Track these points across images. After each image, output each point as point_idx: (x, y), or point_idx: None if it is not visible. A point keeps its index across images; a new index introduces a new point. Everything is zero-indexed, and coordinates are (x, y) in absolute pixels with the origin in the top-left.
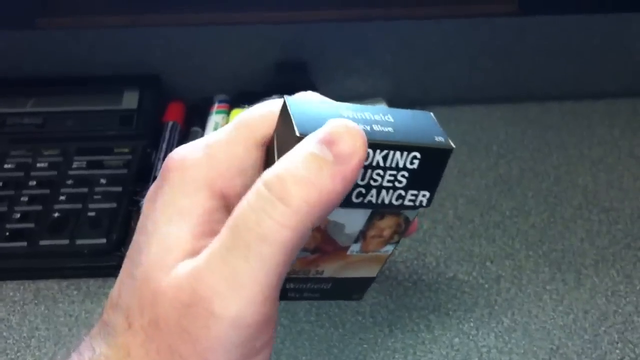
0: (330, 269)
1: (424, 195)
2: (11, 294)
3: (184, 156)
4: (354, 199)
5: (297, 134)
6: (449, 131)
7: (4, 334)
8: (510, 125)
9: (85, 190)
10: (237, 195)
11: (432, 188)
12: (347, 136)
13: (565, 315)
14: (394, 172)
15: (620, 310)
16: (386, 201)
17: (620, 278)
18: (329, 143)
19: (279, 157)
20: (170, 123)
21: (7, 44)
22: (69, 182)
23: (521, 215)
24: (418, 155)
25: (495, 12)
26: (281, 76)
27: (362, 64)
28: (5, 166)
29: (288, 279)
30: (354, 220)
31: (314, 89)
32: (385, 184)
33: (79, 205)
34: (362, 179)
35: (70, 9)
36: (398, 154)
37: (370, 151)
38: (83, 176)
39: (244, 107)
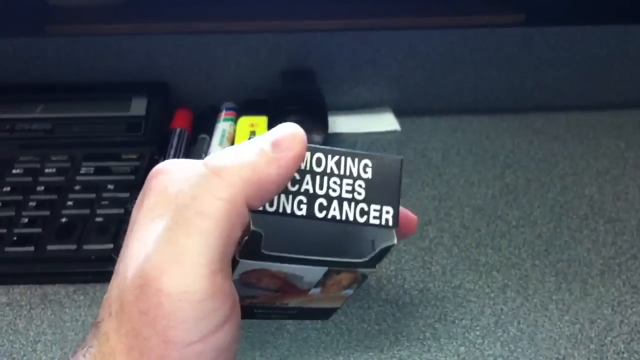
0: (294, 303)
1: (387, 212)
2: (18, 298)
3: (167, 163)
4: (317, 213)
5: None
6: (454, 140)
7: (11, 337)
8: (516, 136)
9: (92, 196)
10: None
11: (393, 203)
12: (288, 133)
13: (571, 325)
14: (350, 181)
15: (626, 321)
16: (350, 217)
17: (627, 288)
18: (274, 140)
19: None
20: (178, 130)
21: (17, 51)
22: (77, 187)
23: (527, 225)
24: (369, 162)
25: (501, 22)
26: (288, 84)
27: (369, 73)
28: (14, 171)
29: (255, 306)
30: (311, 274)
31: (322, 97)
32: (344, 194)
33: (87, 211)
34: (321, 187)
35: (79, 16)
36: (349, 159)
37: (322, 156)
38: (91, 182)
39: (251, 115)
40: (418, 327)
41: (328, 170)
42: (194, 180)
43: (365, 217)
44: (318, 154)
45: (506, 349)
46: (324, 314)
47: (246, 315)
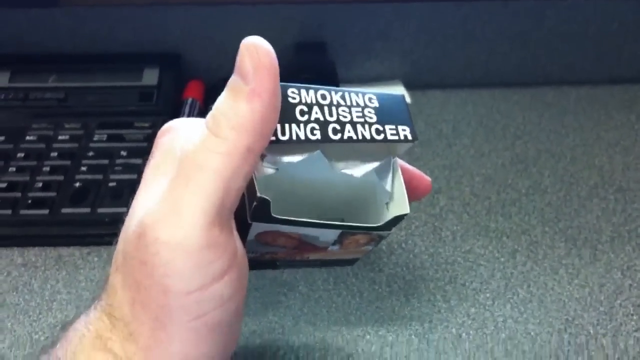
0: (315, 257)
1: (404, 130)
2: (33, 259)
3: (174, 122)
4: (332, 136)
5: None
6: (465, 113)
7: (26, 296)
8: (527, 109)
9: (106, 162)
10: None
11: (408, 123)
12: (247, 56)
13: (580, 288)
14: (359, 109)
15: (635, 284)
16: (367, 135)
17: (637, 254)
18: (237, 70)
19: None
20: (190, 100)
21: (31, 21)
22: (90, 154)
23: (537, 194)
24: (373, 96)
25: None
26: (300, 56)
27: (381, 46)
28: (27, 138)
29: (277, 260)
30: (326, 235)
31: (334, 69)
32: (355, 119)
33: (100, 176)
34: (331, 115)
35: None
36: (353, 94)
37: (327, 93)
38: (104, 149)
39: None
40: (428, 290)
41: (335, 102)
42: (195, 138)
43: (382, 135)
44: (322, 91)
45: (516, 310)
46: (348, 262)
47: (268, 266)
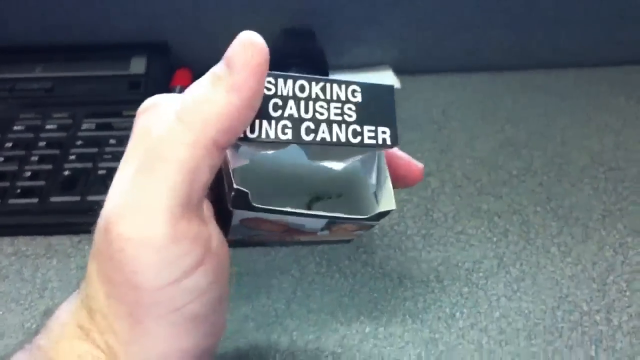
0: (305, 239)
1: (384, 132)
2: (23, 248)
3: (156, 97)
4: (304, 136)
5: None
6: (456, 97)
7: (17, 285)
8: (517, 92)
9: (95, 150)
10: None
11: (390, 124)
12: (240, 48)
13: (573, 266)
14: (339, 105)
15: (627, 261)
16: (342, 138)
17: (628, 231)
18: (226, 59)
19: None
20: (178, 87)
21: (16, 11)
22: (79, 142)
23: (528, 175)
24: (357, 88)
25: None
26: (289, 43)
27: (370, 32)
28: (15, 128)
29: (268, 244)
30: (312, 223)
31: (323, 56)
32: (333, 117)
33: (89, 164)
34: (306, 112)
35: None
36: (335, 85)
37: (306, 83)
38: (92, 137)
39: None
40: (421, 270)
41: (313, 96)
42: (161, 127)
43: (359, 137)
44: (301, 81)
45: (509, 288)
46: (341, 242)
47: (260, 244)
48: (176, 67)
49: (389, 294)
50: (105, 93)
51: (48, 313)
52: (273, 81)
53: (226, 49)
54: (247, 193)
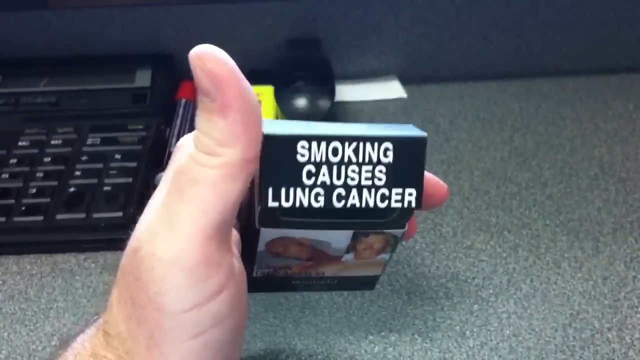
0: (330, 271)
1: (410, 194)
2: (29, 267)
3: (183, 139)
4: (335, 204)
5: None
6: (461, 107)
7: (23, 305)
8: (524, 101)
9: (100, 165)
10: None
11: (417, 185)
12: (200, 72)
13: (584, 282)
14: (370, 168)
15: (639, 276)
16: (370, 203)
17: (639, 245)
18: (199, 90)
19: (258, 183)
20: (184, 100)
21: (20, 25)
22: (84, 158)
23: (537, 187)
24: (390, 146)
25: None
26: (294, 53)
27: (375, 40)
28: (20, 144)
29: (292, 278)
30: (337, 238)
31: (329, 66)
32: (363, 182)
33: (95, 180)
34: (338, 178)
35: None
36: (368, 145)
37: (339, 145)
38: (98, 152)
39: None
40: (430, 287)
41: (345, 160)
42: (187, 154)
43: (386, 202)
44: (334, 144)
45: (519, 305)
46: (367, 283)
47: (285, 287)
48: (181, 79)
49: (397, 312)
50: (110, 106)
51: (62, 344)
52: (307, 146)
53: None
54: (276, 209)
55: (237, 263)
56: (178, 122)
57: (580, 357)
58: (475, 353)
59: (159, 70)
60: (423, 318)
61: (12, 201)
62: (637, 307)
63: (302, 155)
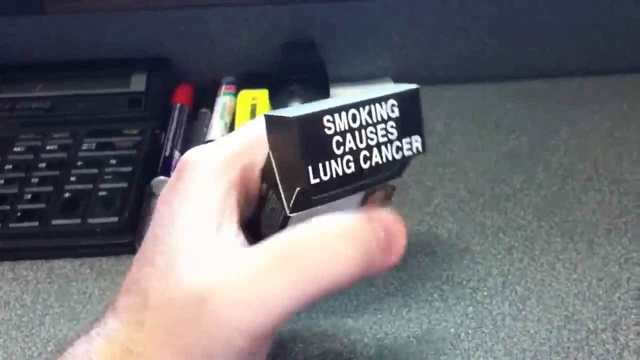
0: None
1: (417, 141)
2: (24, 273)
3: (195, 152)
4: (363, 165)
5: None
6: (457, 109)
7: (18, 312)
8: (519, 102)
9: (95, 171)
10: (252, 171)
11: (420, 131)
12: (400, 236)
13: (578, 283)
14: (383, 125)
15: (634, 277)
16: (389, 157)
17: (634, 246)
18: (387, 241)
19: (278, 172)
20: (179, 105)
21: (15, 29)
22: (79, 163)
23: (532, 188)
24: (395, 102)
25: None
26: (290, 56)
27: (370, 43)
28: (15, 149)
29: None
30: (350, 201)
31: (324, 69)
32: (381, 139)
33: (90, 186)
34: (361, 141)
35: None
36: (378, 105)
37: (356, 112)
38: (93, 157)
39: (251, 89)
40: (426, 290)
41: (364, 123)
42: (317, 249)
43: (400, 153)
44: (352, 111)
45: (514, 307)
46: None
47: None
48: (176, 83)
49: (393, 315)
50: (105, 111)
51: (60, 350)
52: (331, 118)
53: (226, 63)
54: (315, 184)
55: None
56: (173, 126)
57: (575, 358)
58: (470, 355)
59: (154, 75)
60: (418, 321)
61: (8, 207)
62: (632, 308)
63: (329, 129)
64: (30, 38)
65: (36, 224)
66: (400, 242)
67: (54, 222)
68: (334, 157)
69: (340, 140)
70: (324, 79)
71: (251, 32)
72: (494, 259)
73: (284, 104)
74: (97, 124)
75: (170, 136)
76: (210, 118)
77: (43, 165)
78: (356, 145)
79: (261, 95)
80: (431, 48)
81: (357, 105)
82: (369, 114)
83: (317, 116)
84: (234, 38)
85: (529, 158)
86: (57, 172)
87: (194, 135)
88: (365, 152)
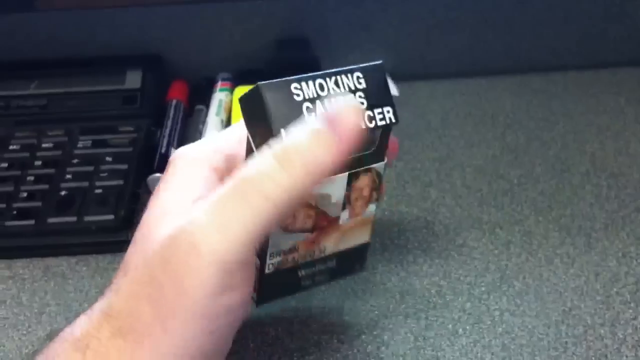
0: (330, 244)
1: (388, 112)
2: (20, 271)
3: (183, 148)
4: None
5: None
6: (453, 103)
7: (15, 310)
8: (515, 96)
9: (91, 168)
10: (237, 160)
11: (390, 103)
12: (353, 115)
13: (576, 278)
14: (352, 96)
15: (631, 271)
16: (362, 125)
17: (631, 240)
18: (334, 121)
19: (255, 144)
20: (174, 101)
21: (8, 27)
22: (75, 161)
23: (529, 183)
24: (360, 74)
25: None
26: (283, 53)
27: (364, 38)
28: (11, 147)
29: (298, 267)
30: (337, 188)
31: (318, 65)
32: None
33: (86, 184)
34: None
35: None
36: (344, 76)
37: (323, 82)
38: (88, 155)
39: (247, 85)
40: (423, 285)
41: (332, 92)
42: (260, 166)
43: (373, 122)
44: (319, 80)
45: (512, 303)
46: (359, 256)
47: (293, 286)
48: (171, 79)
49: (390, 311)
50: (100, 108)
51: (52, 336)
52: (299, 86)
53: (220, 59)
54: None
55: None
56: (169, 123)
57: (573, 353)
58: (468, 351)
59: (149, 72)
60: (416, 317)
61: (3, 205)
62: (630, 303)
63: (298, 95)
64: (23, 35)
65: (32, 222)
66: (346, 123)
67: (50, 220)
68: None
69: (310, 106)
70: None
71: (244, 28)
72: (491, 254)
73: None
74: (92, 122)
75: (167, 133)
76: (206, 114)
77: (38, 163)
78: (327, 111)
79: None
80: (425, 43)
81: (323, 76)
82: (336, 83)
83: (284, 83)
84: (227, 34)
85: (525, 153)
86: (52, 170)
87: (190, 131)
88: None
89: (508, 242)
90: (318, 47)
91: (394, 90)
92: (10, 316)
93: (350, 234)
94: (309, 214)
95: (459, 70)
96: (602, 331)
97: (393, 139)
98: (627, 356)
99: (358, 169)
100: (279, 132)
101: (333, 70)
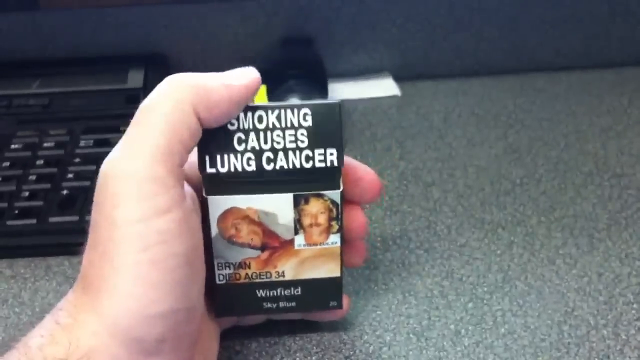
0: (289, 269)
1: (331, 154)
2: (22, 271)
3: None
4: (265, 166)
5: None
6: (455, 103)
7: (16, 309)
8: (518, 96)
9: (93, 167)
10: None
11: (337, 145)
12: (240, 71)
13: (579, 279)
14: (292, 132)
15: (634, 272)
16: (297, 164)
17: (634, 241)
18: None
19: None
20: None
21: (11, 26)
22: (77, 160)
23: (532, 183)
24: (308, 111)
25: None
26: (287, 52)
27: (368, 38)
28: (13, 146)
29: (255, 285)
30: (281, 207)
31: (321, 64)
32: (288, 144)
33: (87, 183)
34: (265, 142)
35: None
36: (289, 111)
37: (263, 113)
38: (90, 154)
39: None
40: (425, 286)
41: (270, 126)
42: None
43: (310, 162)
44: (259, 112)
45: (514, 303)
46: (331, 291)
47: (252, 305)
48: None
49: (392, 312)
50: (103, 107)
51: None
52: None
53: (223, 58)
54: (214, 174)
55: (190, 200)
56: None
57: (576, 354)
58: (470, 352)
59: (151, 71)
60: (418, 317)
61: (5, 204)
62: (632, 304)
63: (232, 124)
64: (26, 34)
65: (34, 221)
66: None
67: (52, 219)
68: (234, 152)
69: (243, 137)
70: (321, 74)
71: (248, 27)
72: (493, 254)
73: (281, 100)
74: (94, 121)
75: None
76: None
77: (40, 162)
78: (259, 145)
79: (259, 91)
80: (429, 43)
81: (266, 108)
82: (278, 118)
83: None
84: (231, 33)
85: (528, 153)
86: (54, 170)
87: None
88: (269, 154)
89: (510, 243)
90: (322, 46)
91: (395, 90)
92: (12, 315)
93: (312, 263)
94: (253, 229)
95: (462, 70)
96: (604, 332)
97: (373, 178)
98: (630, 357)
99: (305, 192)
100: (202, 158)
101: (283, 103)
